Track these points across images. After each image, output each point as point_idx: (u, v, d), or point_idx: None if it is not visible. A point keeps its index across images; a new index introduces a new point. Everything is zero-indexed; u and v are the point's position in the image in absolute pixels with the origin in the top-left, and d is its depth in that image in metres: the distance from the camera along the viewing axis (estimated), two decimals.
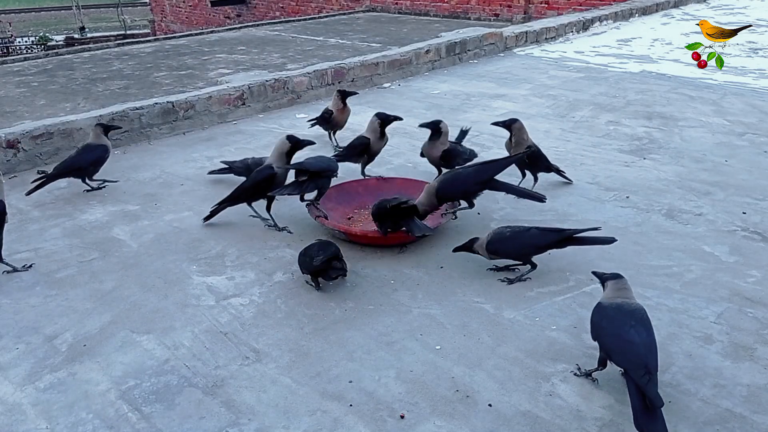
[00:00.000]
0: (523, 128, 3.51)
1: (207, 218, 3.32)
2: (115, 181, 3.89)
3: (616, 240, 2.72)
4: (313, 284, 2.72)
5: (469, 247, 2.80)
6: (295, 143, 3.21)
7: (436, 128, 3.50)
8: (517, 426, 1.97)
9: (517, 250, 2.73)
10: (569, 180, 3.71)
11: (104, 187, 3.84)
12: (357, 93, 4.76)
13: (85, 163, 3.71)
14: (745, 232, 3.14)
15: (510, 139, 3.54)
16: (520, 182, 3.45)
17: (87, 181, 3.78)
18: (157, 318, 2.56)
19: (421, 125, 3.63)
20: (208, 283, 2.80)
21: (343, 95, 4.33)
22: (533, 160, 3.50)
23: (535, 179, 3.57)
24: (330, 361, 2.28)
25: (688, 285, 2.69)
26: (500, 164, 3.09)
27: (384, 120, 3.62)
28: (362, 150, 3.65)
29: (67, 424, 2.03)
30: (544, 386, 2.13)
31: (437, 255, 2.97)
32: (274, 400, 2.11)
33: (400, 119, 3.71)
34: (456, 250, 2.85)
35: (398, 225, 2.94)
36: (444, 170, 3.52)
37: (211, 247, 3.11)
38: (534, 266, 2.75)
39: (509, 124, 3.51)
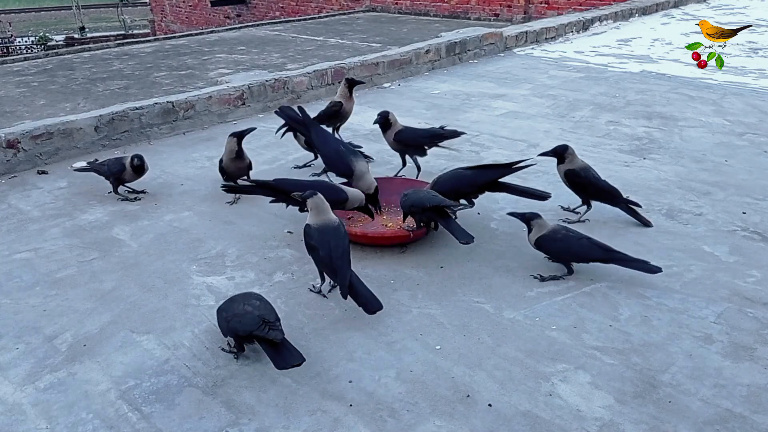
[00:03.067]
0: (574, 153, 3.25)
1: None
2: (142, 191, 3.76)
3: (661, 270, 2.65)
4: (235, 351, 2.29)
5: (526, 220, 2.82)
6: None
7: (385, 121, 3.68)
8: (517, 426, 1.97)
9: (564, 254, 2.77)
10: (645, 222, 3.20)
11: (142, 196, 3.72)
12: (364, 82, 4.77)
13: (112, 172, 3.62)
14: (745, 232, 3.14)
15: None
16: (586, 211, 3.25)
17: (122, 186, 3.68)
18: (157, 318, 2.56)
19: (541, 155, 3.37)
20: (208, 283, 2.80)
21: (351, 84, 4.23)
22: (575, 183, 3.21)
23: (587, 205, 3.25)
24: (330, 361, 2.28)
25: (688, 285, 2.69)
26: (498, 172, 3.12)
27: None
28: None
29: (67, 424, 2.03)
30: (544, 386, 2.13)
31: (437, 255, 2.97)
32: (274, 400, 2.11)
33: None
34: (510, 214, 2.91)
35: (430, 223, 2.99)
36: (408, 154, 3.75)
37: (211, 247, 3.11)
38: (571, 271, 2.77)
39: (560, 152, 3.23)
